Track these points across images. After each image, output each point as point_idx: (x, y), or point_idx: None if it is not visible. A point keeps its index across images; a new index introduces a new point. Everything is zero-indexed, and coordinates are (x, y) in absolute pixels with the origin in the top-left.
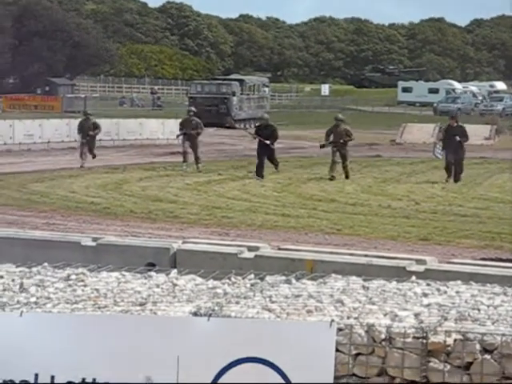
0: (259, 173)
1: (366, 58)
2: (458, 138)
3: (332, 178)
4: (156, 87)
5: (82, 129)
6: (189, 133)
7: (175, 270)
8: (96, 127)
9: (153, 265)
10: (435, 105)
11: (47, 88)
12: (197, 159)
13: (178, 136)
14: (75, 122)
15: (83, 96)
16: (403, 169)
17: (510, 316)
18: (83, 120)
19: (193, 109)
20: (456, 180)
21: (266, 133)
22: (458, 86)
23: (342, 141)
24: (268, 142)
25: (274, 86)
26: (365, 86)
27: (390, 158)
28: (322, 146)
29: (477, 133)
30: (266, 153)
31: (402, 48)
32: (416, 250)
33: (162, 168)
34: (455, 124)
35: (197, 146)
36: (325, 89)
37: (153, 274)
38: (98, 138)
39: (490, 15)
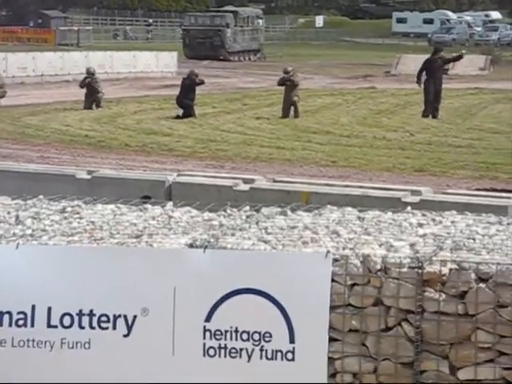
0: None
1: None
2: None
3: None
4: (150, 20)
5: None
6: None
7: (171, 203)
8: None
9: (148, 197)
10: (430, 35)
11: (40, 20)
12: None
13: None
14: (68, 55)
15: (76, 29)
16: (398, 100)
17: (504, 245)
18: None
19: None
20: (434, 116)
21: None
22: (452, 16)
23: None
24: None
25: (268, 17)
26: (359, 18)
27: (385, 90)
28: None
29: (472, 63)
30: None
31: None
32: (411, 181)
33: (156, 101)
34: (437, 57)
35: None
36: (319, 20)
37: (148, 206)
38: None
39: None
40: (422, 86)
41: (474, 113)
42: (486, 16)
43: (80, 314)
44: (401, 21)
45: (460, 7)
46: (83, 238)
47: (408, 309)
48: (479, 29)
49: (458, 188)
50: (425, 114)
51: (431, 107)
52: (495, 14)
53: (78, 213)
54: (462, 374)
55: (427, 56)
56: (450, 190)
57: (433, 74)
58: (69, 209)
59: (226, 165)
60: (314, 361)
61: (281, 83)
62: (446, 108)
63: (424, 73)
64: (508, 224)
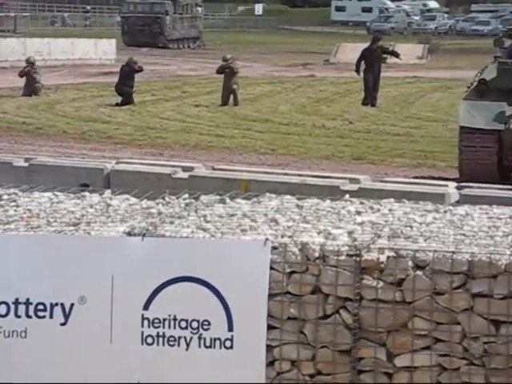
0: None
1: None
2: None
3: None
4: (88, 7)
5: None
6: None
7: (109, 191)
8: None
9: (86, 185)
10: (368, 24)
11: None
12: None
13: None
14: (5, 42)
15: (13, 15)
16: (337, 88)
17: (441, 233)
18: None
19: None
20: (373, 104)
21: None
22: (391, 5)
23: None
24: None
25: (207, 5)
26: (298, 6)
27: (324, 78)
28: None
29: (410, 52)
30: None
31: None
32: (350, 169)
33: (95, 88)
34: (375, 46)
35: None
36: (258, 8)
37: (86, 194)
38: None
39: None
40: (362, 74)
41: (412, 101)
42: (424, 5)
43: (16, 302)
44: (340, 9)
45: None
46: (20, 226)
47: (346, 296)
48: (417, 18)
49: (396, 176)
50: (365, 103)
51: (370, 96)
52: (433, 3)
53: (14, 201)
54: (399, 361)
55: (366, 45)
56: (388, 178)
57: (371, 63)
58: (5, 197)
59: (165, 152)
60: (252, 349)
61: (220, 71)
62: (384, 96)
63: (363, 62)
64: (445, 212)
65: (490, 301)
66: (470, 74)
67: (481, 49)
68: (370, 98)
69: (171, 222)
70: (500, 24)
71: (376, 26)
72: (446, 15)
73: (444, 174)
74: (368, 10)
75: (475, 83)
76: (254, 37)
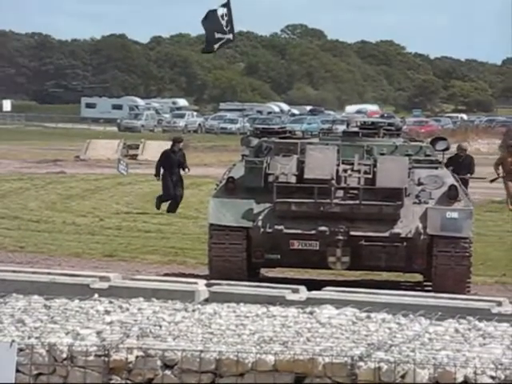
0: None
1: (49, 73)
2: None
3: None
4: None
5: None
6: None
7: None
8: None
9: None
10: (119, 121)
11: None
12: None
13: None
14: None
15: None
16: (88, 185)
17: (190, 332)
18: None
19: None
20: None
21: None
22: (140, 102)
23: None
24: None
25: None
26: (48, 102)
27: (75, 175)
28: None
29: (160, 149)
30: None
31: (85, 64)
32: (101, 266)
33: None
34: (177, 149)
35: None
36: (6, 104)
37: None
38: None
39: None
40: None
41: None
42: (174, 103)
43: None
44: (90, 106)
45: (148, 94)
46: None
47: None
48: (167, 115)
49: (147, 273)
50: (169, 209)
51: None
52: (182, 102)
53: None
54: None
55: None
56: (138, 276)
57: (171, 166)
58: None
59: None
60: None
61: None
62: (135, 193)
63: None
64: (193, 310)
65: None
66: (220, 172)
67: (229, 146)
68: (173, 204)
69: None
70: (247, 122)
71: (127, 123)
72: (195, 113)
73: (194, 271)
74: (118, 107)
75: (224, 181)
76: (3, 133)
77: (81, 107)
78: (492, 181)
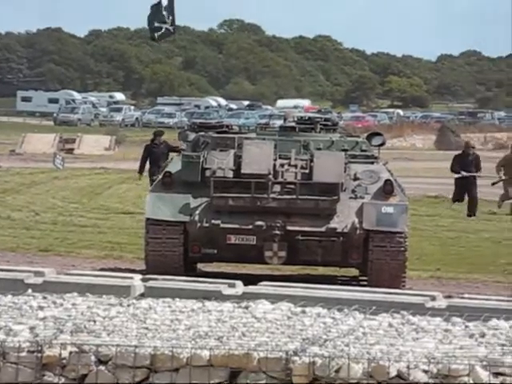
0: None
1: None
2: None
3: None
4: None
5: None
6: None
7: None
8: None
9: None
10: (55, 115)
11: None
12: None
13: None
14: None
15: None
16: (23, 179)
17: (125, 327)
18: None
19: None
20: None
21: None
22: (77, 96)
23: None
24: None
25: None
26: None
27: (10, 169)
28: None
29: (97, 143)
30: None
31: (20, 57)
32: (36, 261)
33: None
34: (158, 142)
35: None
36: None
37: None
38: None
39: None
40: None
41: (100, 192)
42: (111, 97)
43: None
44: (26, 99)
45: (85, 88)
46: None
47: None
48: (104, 109)
49: (83, 268)
50: None
51: None
52: (119, 96)
53: None
54: None
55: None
56: (73, 271)
57: (156, 159)
58: None
59: None
60: None
61: None
62: (71, 188)
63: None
64: (128, 305)
65: None
66: None
67: (167, 140)
68: None
69: None
70: (185, 117)
71: (63, 117)
72: (132, 107)
73: (131, 266)
74: (55, 100)
75: (161, 175)
76: None
77: (16, 101)
78: (494, 183)
